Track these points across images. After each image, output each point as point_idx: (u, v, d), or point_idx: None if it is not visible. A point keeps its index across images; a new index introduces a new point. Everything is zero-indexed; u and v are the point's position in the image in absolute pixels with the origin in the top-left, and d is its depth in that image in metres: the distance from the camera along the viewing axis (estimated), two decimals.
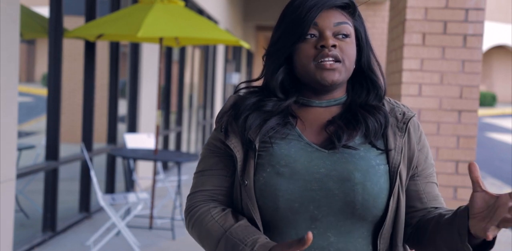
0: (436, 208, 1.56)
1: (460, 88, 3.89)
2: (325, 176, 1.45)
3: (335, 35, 1.50)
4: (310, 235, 1.22)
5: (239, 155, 1.50)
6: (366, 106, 1.54)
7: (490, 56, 35.56)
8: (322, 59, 1.47)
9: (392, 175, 1.49)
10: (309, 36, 1.49)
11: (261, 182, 1.46)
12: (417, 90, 3.90)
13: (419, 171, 1.56)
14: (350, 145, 1.47)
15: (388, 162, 1.50)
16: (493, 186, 10.21)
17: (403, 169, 1.51)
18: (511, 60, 35.44)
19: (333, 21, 1.50)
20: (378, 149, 1.50)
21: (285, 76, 1.55)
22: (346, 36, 1.51)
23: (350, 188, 1.44)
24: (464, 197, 3.87)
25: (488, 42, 33.48)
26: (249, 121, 1.50)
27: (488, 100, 32.37)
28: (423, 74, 3.90)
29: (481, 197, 1.29)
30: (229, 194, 1.54)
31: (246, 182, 1.47)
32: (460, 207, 1.39)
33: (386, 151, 1.50)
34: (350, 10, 1.54)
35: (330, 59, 1.47)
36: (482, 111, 27.97)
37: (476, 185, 1.30)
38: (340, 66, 1.48)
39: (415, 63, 3.90)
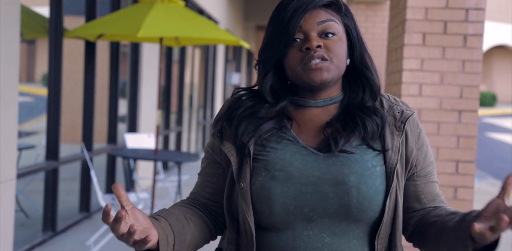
0: (435, 207, 1.55)
1: (460, 88, 3.89)
2: (320, 179, 1.45)
3: (320, 34, 1.49)
4: (109, 206, 1.25)
5: (233, 159, 1.50)
6: (363, 108, 1.52)
7: (490, 56, 35.54)
8: (309, 62, 1.46)
9: (389, 176, 1.48)
10: (295, 40, 1.49)
11: (257, 186, 1.46)
12: (417, 90, 3.90)
13: (418, 170, 1.55)
14: (346, 148, 1.47)
15: (385, 163, 1.49)
16: (493, 186, 10.20)
17: (400, 169, 1.50)
18: (511, 60, 35.43)
19: (316, 20, 1.49)
20: (374, 150, 1.49)
21: (275, 81, 1.55)
22: (333, 34, 1.50)
23: (344, 191, 1.44)
24: (464, 197, 3.87)
25: (488, 42, 33.47)
26: (241, 128, 1.51)
27: (488, 100, 32.36)
28: (423, 74, 3.90)
29: (498, 203, 1.28)
30: (211, 197, 1.58)
31: (242, 185, 1.47)
32: (472, 212, 1.37)
33: (383, 151, 1.50)
34: (335, 7, 1.53)
35: (317, 60, 1.46)
36: (482, 111, 27.97)
37: (502, 191, 1.28)
38: (327, 65, 1.47)
39: (415, 63, 3.90)
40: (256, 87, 1.59)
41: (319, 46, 1.47)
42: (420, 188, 1.55)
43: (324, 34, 1.49)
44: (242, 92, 1.59)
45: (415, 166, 1.54)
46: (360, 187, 1.43)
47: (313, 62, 1.46)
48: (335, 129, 1.49)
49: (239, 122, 1.52)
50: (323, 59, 1.47)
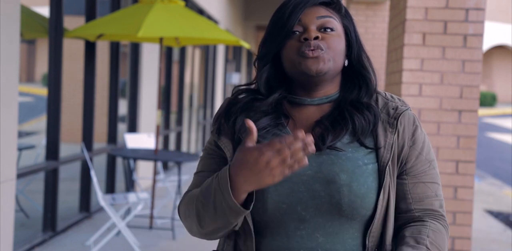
0: (425, 209, 1.52)
1: (460, 88, 3.89)
2: (311, 178, 1.45)
3: (319, 28, 1.51)
4: (248, 121, 1.32)
5: (229, 154, 1.51)
6: (356, 104, 1.52)
7: (490, 56, 35.54)
8: (305, 50, 1.48)
9: (382, 173, 1.47)
10: (294, 33, 1.51)
11: None
12: (417, 90, 3.90)
13: (408, 168, 1.52)
14: (336, 146, 1.47)
15: (377, 160, 1.49)
16: (493, 186, 10.21)
17: (391, 166, 1.49)
18: (511, 60, 35.43)
19: (316, 15, 1.52)
20: (366, 147, 1.49)
21: (271, 74, 1.56)
22: (331, 29, 1.51)
23: (335, 189, 1.44)
24: (464, 197, 3.87)
25: (488, 42, 33.46)
26: (238, 122, 1.52)
27: (488, 100, 32.35)
28: (424, 74, 3.90)
29: None
30: None
31: None
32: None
33: (376, 149, 1.49)
34: (335, 6, 1.56)
35: (313, 49, 1.48)
36: (482, 111, 27.96)
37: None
38: (323, 54, 1.48)
39: (415, 63, 3.90)
40: (253, 86, 1.60)
41: (316, 38, 1.49)
42: (407, 187, 1.52)
43: (323, 29, 1.51)
44: (241, 91, 1.60)
45: (405, 163, 1.52)
46: (351, 185, 1.43)
47: (310, 50, 1.47)
48: (324, 127, 1.50)
49: (236, 117, 1.53)
50: (320, 48, 1.48)
